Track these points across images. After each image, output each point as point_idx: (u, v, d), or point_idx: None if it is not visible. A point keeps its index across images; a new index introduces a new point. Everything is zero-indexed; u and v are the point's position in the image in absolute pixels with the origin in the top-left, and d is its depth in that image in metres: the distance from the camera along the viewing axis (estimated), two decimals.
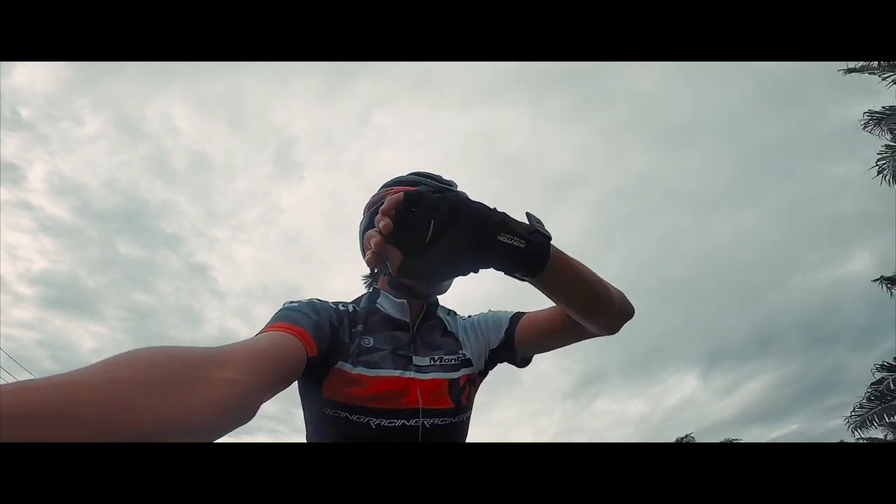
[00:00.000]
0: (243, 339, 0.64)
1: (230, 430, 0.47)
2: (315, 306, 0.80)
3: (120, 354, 0.42)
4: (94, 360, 0.40)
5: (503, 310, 0.99)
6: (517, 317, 0.94)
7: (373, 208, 0.94)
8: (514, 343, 0.92)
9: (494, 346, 0.94)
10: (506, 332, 0.93)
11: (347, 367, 0.81)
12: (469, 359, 0.92)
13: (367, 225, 0.94)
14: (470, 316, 1.02)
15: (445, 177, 0.95)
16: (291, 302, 0.80)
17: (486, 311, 1.01)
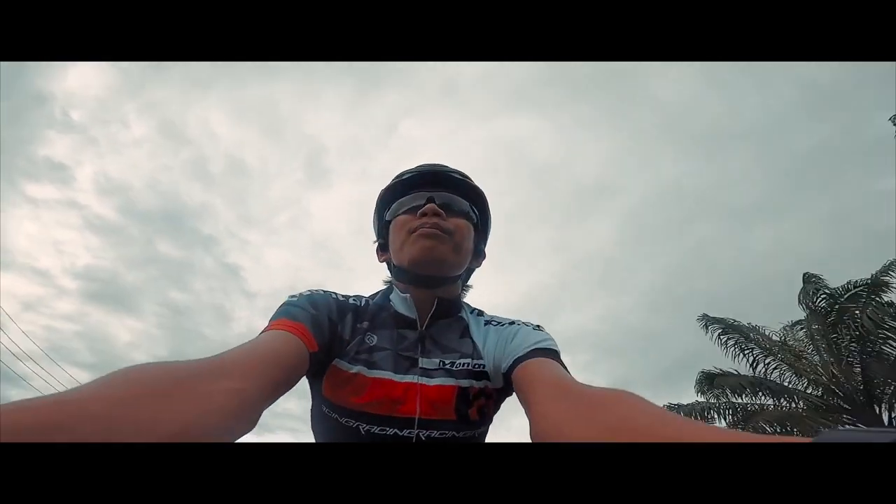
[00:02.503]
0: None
1: (234, 438, 0.47)
2: (314, 300, 0.77)
3: (116, 372, 0.42)
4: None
5: (531, 326, 0.83)
6: (533, 353, 0.73)
7: (385, 196, 0.90)
8: (511, 382, 0.75)
9: (503, 370, 0.77)
10: (510, 365, 0.74)
11: (344, 364, 0.77)
12: (485, 371, 0.80)
13: (381, 210, 0.91)
14: (500, 322, 0.86)
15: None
16: (292, 296, 0.78)
17: (516, 317, 0.87)
